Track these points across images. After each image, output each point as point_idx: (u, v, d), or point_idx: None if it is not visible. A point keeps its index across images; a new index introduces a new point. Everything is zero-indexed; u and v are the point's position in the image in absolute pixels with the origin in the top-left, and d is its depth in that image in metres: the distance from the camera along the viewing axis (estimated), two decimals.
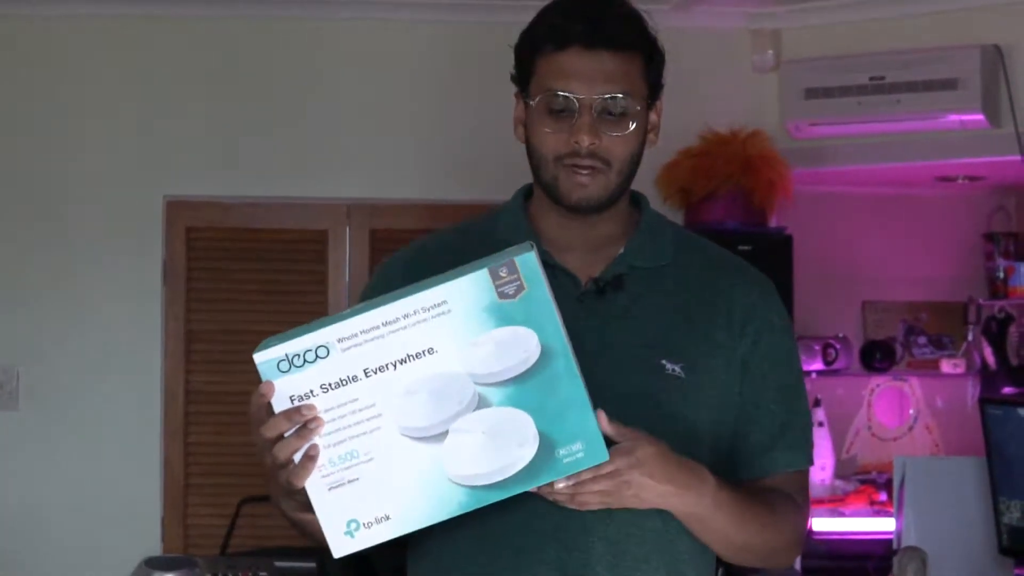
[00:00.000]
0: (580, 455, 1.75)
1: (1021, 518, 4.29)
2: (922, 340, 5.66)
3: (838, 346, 5.46)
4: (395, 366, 1.76)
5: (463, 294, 1.76)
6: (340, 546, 1.77)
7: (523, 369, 1.76)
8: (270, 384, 1.78)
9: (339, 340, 1.77)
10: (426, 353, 1.76)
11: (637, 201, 2.18)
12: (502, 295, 1.76)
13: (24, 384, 5.11)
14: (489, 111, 5.12)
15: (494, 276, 1.77)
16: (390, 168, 5.23)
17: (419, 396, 1.76)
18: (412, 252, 2.18)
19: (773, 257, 4.70)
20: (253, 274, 5.22)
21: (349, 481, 1.75)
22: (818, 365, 5.43)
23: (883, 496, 5.21)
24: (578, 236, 2.11)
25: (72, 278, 5.13)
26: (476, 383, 1.76)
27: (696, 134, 5.07)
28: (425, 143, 5.22)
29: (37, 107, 5.16)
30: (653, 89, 2.08)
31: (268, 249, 5.22)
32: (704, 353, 2.07)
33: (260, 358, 1.77)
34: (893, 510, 4.75)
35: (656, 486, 1.88)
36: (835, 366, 5.45)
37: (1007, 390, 5.35)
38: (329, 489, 1.75)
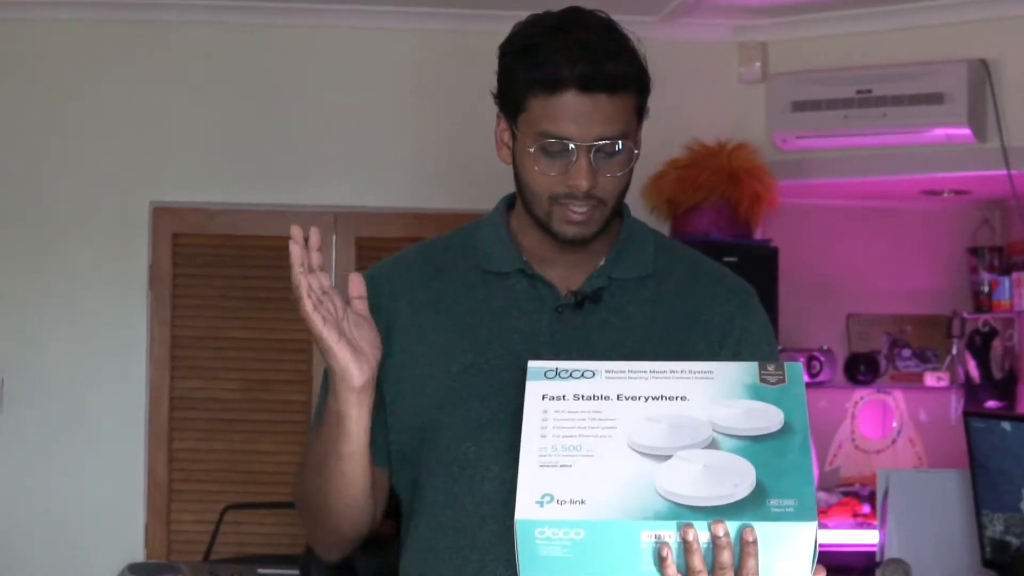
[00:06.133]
0: (790, 509, 1.77)
1: (1004, 531, 4.30)
2: (906, 353, 5.66)
3: (822, 358, 5.47)
4: (646, 399, 1.84)
5: (730, 370, 1.87)
6: (526, 511, 1.78)
7: (762, 433, 1.81)
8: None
9: (607, 371, 1.87)
10: (678, 399, 1.84)
11: (618, 210, 2.15)
12: (764, 380, 1.86)
13: (8, 389, 5.10)
14: (476, 121, 5.12)
15: (762, 368, 1.88)
16: (377, 177, 5.23)
17: (658, 424, 1.81)
18: (391, 264, 2.17)
19: (758, 269, 4.70)
20: (239, 281, 5.22)
21: (561, 465, 1.80)
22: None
23: (866, 508, 5.22)
24: (560, 250, 2.09)
25: (58, 283, 5.12)
26: (714, 430, 1.80)
27: (683, 145, 5.08)
28: (412, 152, 5.22)
29: (24, 112, 5.15)
30: (641, 115, 2.05)
31: (254, 256, 5.21)
32: None
33: (534, 363, 1.87)
34: (876, 522, 4.76)
35: None
36: (819, 378, 5.46)
37: (991, 404, 5.36)
38: (540, 466, 1.80)
